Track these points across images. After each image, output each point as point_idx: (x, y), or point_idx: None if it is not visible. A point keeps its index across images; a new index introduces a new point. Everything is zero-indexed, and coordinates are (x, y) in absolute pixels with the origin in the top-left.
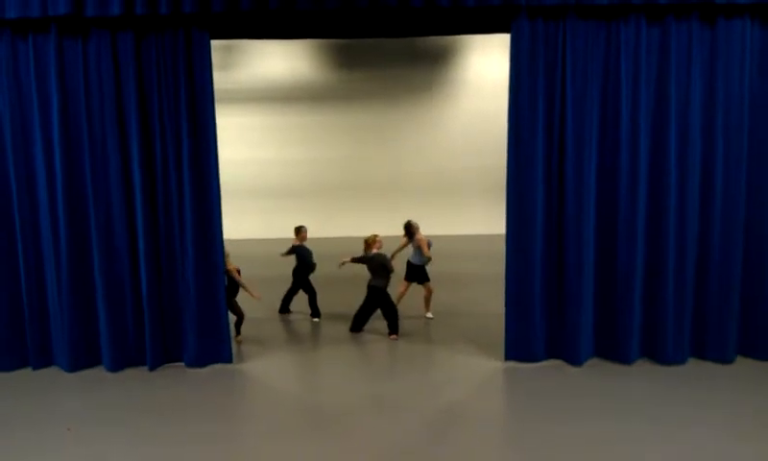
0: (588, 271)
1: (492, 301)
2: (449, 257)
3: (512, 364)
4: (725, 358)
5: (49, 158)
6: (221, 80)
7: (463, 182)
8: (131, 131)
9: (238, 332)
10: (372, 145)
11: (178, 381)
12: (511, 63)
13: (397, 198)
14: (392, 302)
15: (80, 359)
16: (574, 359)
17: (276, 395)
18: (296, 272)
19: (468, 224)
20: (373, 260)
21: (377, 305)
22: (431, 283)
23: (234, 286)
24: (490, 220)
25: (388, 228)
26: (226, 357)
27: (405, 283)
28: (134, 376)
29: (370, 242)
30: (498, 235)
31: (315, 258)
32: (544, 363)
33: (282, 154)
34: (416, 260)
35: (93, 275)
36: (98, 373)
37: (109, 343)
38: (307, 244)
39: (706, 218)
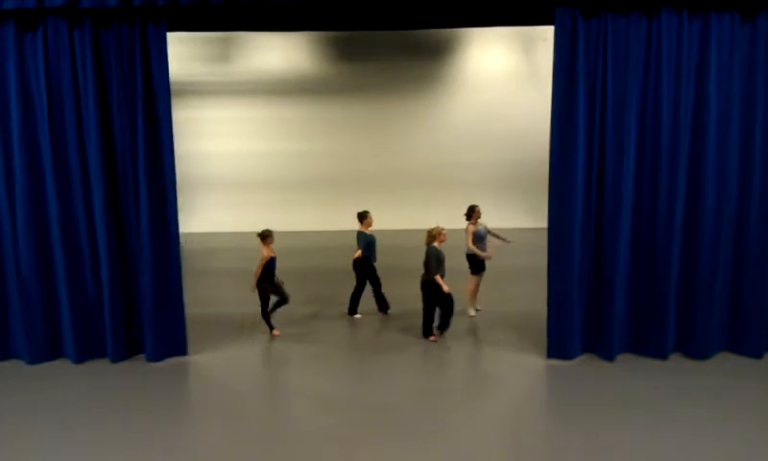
0: (624, 268)
1: (507, 295)
2: (452, 251)
3: (554, 362)
4: (758, 353)
5: (6, 150)
6: (218, 72)
7: (462, 176)
8: (88, 121)
9: (269, 324)
10: (371, 138)
11: (130, 374)
12: (554, 56)
13: (396, 191)
14: (437, 301)
15: (41, 351)
16: (608, 355)
17: (236, 394)
18: (357, 263)
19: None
20: (426, 254)
21: (432, 300)
22: (478, 278)
23: (270, 272)
24: (489, 214)
25: (386, 221)
26: (181, 350)
27: (471, 279)
28: (95, 369)
29: (434, 234)
30: (497, 229)
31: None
32: (582, 358)
33: (280, 147)
34: (466, 250)
35: (54, 265)
36: (61, 364)
37: (72, 335)
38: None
39: (743, 214)
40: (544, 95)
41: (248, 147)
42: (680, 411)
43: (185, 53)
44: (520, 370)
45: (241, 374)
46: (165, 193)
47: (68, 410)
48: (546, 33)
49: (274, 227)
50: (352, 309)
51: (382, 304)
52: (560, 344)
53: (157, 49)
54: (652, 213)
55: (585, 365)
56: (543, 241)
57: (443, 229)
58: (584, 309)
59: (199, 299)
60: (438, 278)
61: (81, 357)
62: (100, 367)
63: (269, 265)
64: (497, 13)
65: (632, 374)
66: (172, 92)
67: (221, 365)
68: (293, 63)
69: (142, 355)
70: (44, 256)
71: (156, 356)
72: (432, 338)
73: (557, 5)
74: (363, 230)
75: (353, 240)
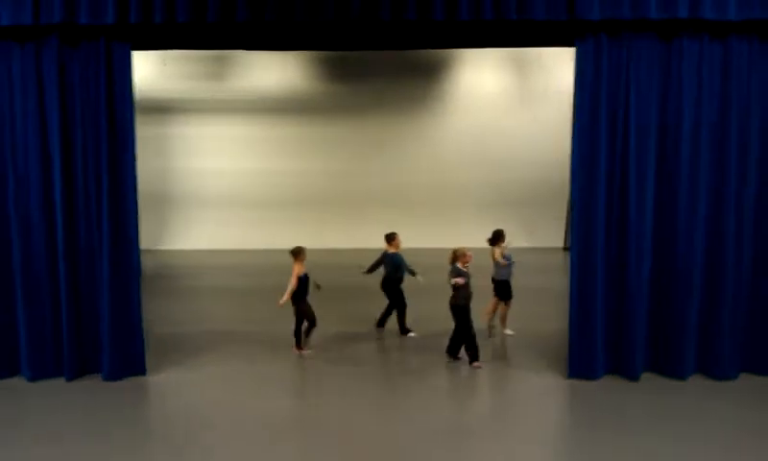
0: (647, 287)
1: (513, 315)
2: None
3: (575, 381)
4: None
5: None
6: (213, 90)
7: (455, 196)
8: (52, 139)
9: (298, 342)
10: (364, 157)
11: (81, 393)
12: (575, 79)
13: (390, 210)
14: (469, 322)
15: None
16: (631, 374)
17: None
18: (385, 284)
19: (460, 237)
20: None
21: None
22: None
23: (303, 290)
24: (483, 233)
25: (378, 240)
26: (139, 369)
27: (493, 300)
28: (49, 388)
29: (458, 255)
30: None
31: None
32: (604, 379)
33: (274, 165)
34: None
35: (14, 283)
36: (16, 382)
37: (27, 352)
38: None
39: (762, 235)
40: (537, 115)
41: (242, 165)
42: (708, 433)
43: (180, 71)
44: (545, 391)
45: (201, 397)
46: (126, 209)
47: (13, 429)
48: (541, 55)
49: (269, 245)
50: (403, 329)
51: (381, 322)
52: (583, 364)
53: (122, 68)
54: (673, 233)
55: (610, 385)
56: (538, 260)
57: (467, 250)
58: (606, 329)
59: (180, 316)
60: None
61: (36, 375)
62: (54, 386)
63: (301, 282)
64: (508, 36)
65: (658, 394)
66: (166, 109)
67: (180, 386)
68: (287, 82)
69: (99, 374)
70: (2, 273)
71: (113, 376)
72: (472, 364)
73: (580, 30)
74: (391, 250)
75: (348, 259)
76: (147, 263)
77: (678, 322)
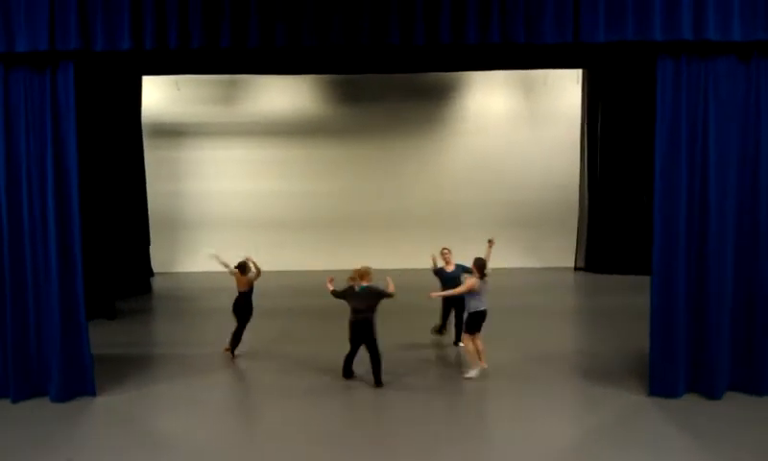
0: (727, 306)
1: (551, 335)
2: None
3: (657, 399)
4: None
5: None
6: (224, 114)
7: (463, 216)
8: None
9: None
10: (375, 179)
11: (26, 416)
12: (657, 100)
13: (398, 232)
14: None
15: None
16: (714, 393)
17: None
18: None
19: (471, 257)
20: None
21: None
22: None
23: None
24: (492, 254)
25: (388, 261)
26: (89, 390)
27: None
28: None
29: (363, 274)
30: (501, 269)
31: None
32: (686, 397)
33: (283, 187)
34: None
35: None
36: None
37: None
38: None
39: None
40: (545, 136)
41: (254, 187)
42: None
43: (194, 95)
44: (634, 409)
45: (132, 419)
46: (71, 229)
47: None
48: (547, 76)
49: (280, 266)
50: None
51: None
52: (664, 382)
53: (66, 89)
54: (754, 253)
55: (694, 402)
56: (547, 280)
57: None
58: (687, 348)
59: (174, 338)
60: None
61: None
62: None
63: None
64: (515, 58)
65: (744, 411)
66: (180, 133)
67: (123, 408)
68: (298, 105)
69: (47, 396)
70: None
71: (61, 397)
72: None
73: (660, 52)
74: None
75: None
76: (160, 285)
77: (759, 340)
